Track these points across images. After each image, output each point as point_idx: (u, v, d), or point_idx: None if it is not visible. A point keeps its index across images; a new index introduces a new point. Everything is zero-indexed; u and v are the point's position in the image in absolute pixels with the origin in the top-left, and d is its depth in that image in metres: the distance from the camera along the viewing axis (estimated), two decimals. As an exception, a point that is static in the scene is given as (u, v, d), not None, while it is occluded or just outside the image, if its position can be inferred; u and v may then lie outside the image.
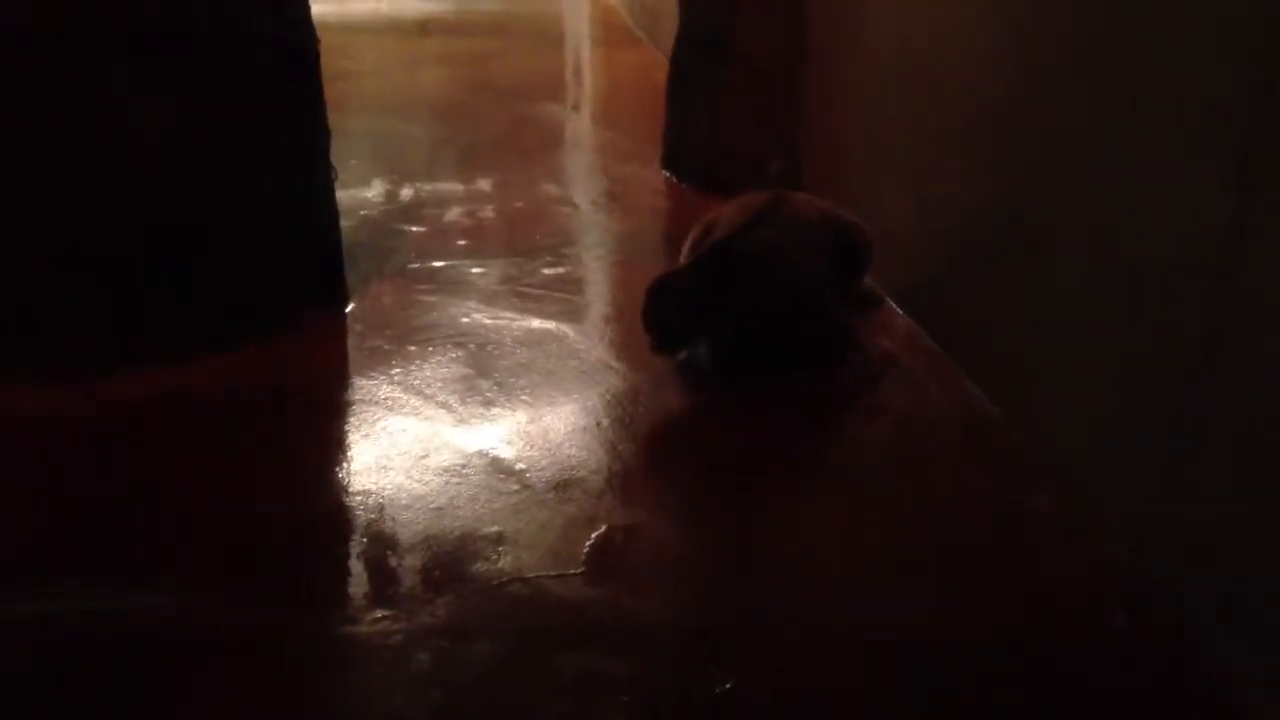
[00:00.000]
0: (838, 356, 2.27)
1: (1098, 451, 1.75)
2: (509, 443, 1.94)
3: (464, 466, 1.86)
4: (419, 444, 1.93)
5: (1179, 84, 1.53)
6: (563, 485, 1.81)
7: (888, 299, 2.54)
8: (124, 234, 2.10)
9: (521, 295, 2.56)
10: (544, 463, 1.88)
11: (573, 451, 1.91)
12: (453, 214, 3.13)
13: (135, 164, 2.09)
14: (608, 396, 2.10)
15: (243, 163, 2.21)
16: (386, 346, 2.29)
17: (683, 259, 2.34)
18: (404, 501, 1.76)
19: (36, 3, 1.96)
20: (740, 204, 2.36)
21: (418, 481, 1.82)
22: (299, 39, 2.31)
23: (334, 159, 2.48)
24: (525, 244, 2.90)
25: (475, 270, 2.71)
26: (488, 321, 2.42)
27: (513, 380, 2.15)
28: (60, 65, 1.99)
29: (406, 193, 3.31)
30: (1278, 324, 1.35)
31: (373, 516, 1.72)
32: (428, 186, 3.37)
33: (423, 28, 6.40)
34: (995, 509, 1.79)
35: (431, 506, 1.75)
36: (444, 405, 2.05)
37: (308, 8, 2.33)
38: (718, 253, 2.14)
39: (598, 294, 2.68)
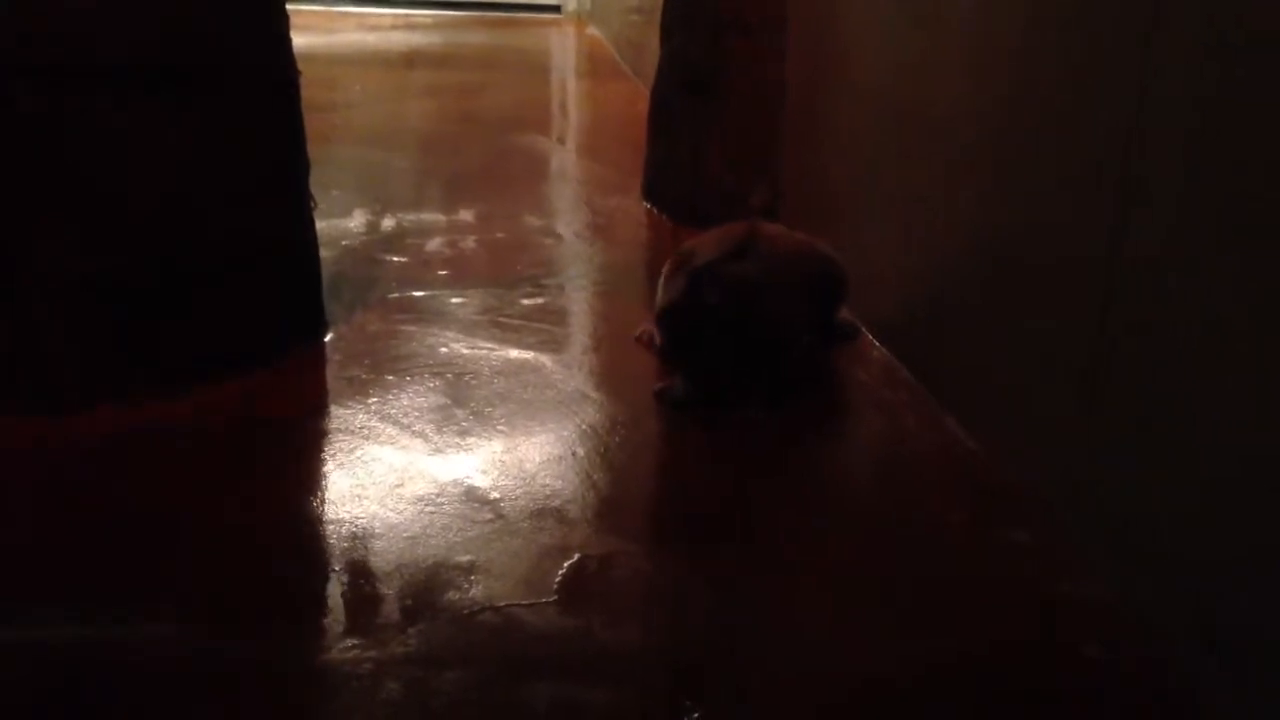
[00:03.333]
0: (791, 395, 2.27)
1: (1074, 485, 1.76)
2: (484, 472, 1.94)
3: (438, 495, 1.86)
4: (394, 473, 1.92)
5: (1168, 120, 1.54)
6: (537, 514, 1.81)
7: (865, 332, 2.55)
8: (110, 266, 2.10)
9: (501, 325, 2.57)
10: (518, 492, 1.87)
11: (548, 481, 1.91)
12: (434, 244, 3.14)
13: (120, 194, 2.08)
14: (584, 426, 2.10)
15: (225, 193, 2.22)
16: (364, 376, 2.29)
17: (661, 286, 2.35)
18: (377, 530, 1.76)
19: (33, 35, 1.95)
20: (719, 234, 2.37)
21: (392, 510, 1.81)
22: (281, 68, 2.32)
23: (318, 189, 2.49)
24: (506, 275, 2.91)
25: (455, 300, 2.71)
26: (466, 351, 2.42)
27: (489, 410, 2.15)
28: (54, 95, 1.99)
29: (388, 223, 3.32)
30: (1253, 360, 1.36)
31: (346, 545, 1.72)
32: (410, 217, 3.38)
33: (409, 60, 6.43)
34: (973, 541, 1.79)
35: (405, 535, 1.74)
36: (420, 435, 2.05)
37: (289, 37, 2.34)
38: (704, 275, 2.13)
39: (577, 325, 2.68)
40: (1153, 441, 1.55)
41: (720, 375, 2.18)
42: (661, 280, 2.37)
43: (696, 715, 1.39)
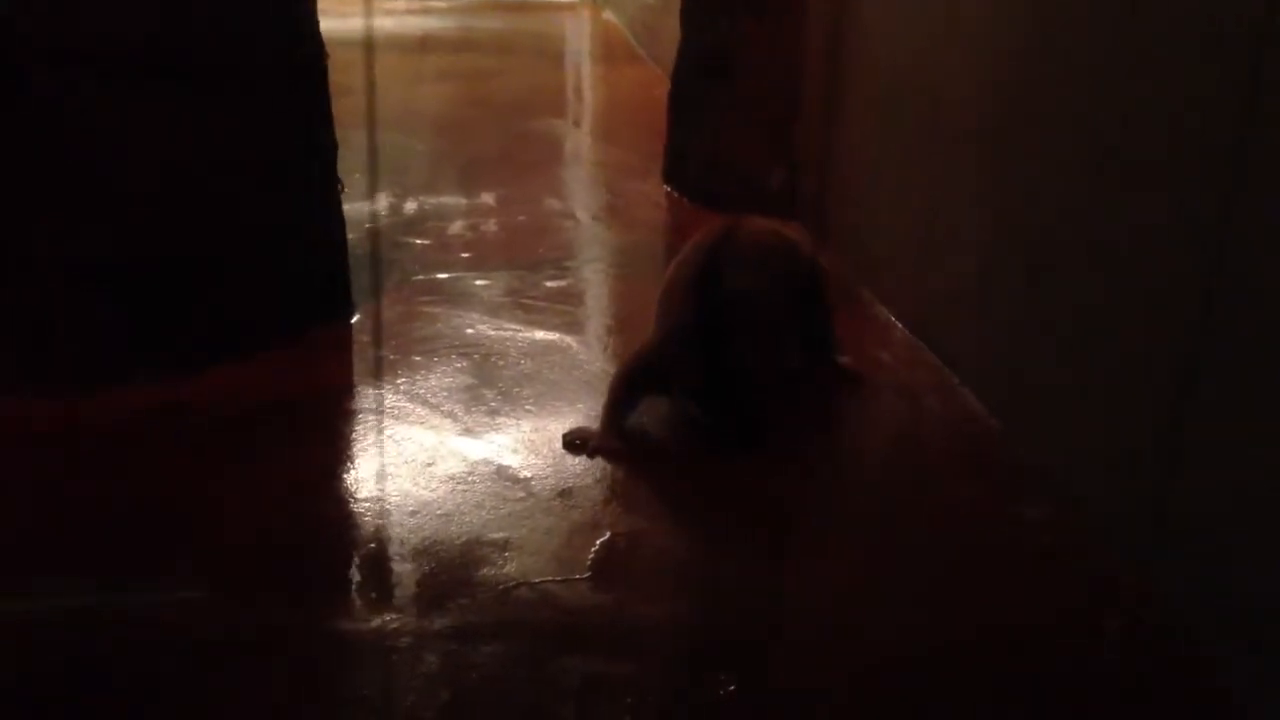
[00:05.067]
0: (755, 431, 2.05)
1: (1094, 462, 1.78)
2: (514, 451, 1.96)
3: (469, 474, 1.88)
4: (425, 452, 1.95)
5: (1172, 101, 1.56)
6: (567, 493, 1.84)
7: (888, 313, 2.56)
8: (133, 247, 2.12)
9: (525, 307, 2.59)
10: (548, 471, 1.90)
11: (576, 460, 1.94)
12: (456, 227, 3.16)
13: (146, 180, 2.11)
14: (611, 406, 2.12)
15: (252, 176, 2.24)
16: (391, 357, 2.31)
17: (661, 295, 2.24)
18: (411, 508, 1.78)
19: (54, 25, 1.97)
20: (698, 236, 2.24)
21: (424, 489, 1.84)
22: (309, 53, 2.34)
23: (339, 173, 2.51)
24: (528, 257, 2.93)
25: (479, 282, 2.74)
26: (491, 333, 2.44)
27: (517, 390, 2.18)
28: (75, 83, 2.01)
29: (410, 206, 3.34)
30: (1260, 340, 1.38)
31: (380, 523, 1.75)
32: (431, 200, 3.40)
33: (425, 44, 6.43)
34: (993, 518, 1.81)
35: (438, 513, 1.77)
36: (449, 414, 2.08)
37: (317, 22, 2.36)
38: (706, 273, 2.04)
39: (599, 306, 2.70)
40: (1168, 419, 1.56)
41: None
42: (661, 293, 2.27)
43: (732, 688, 1.41)
